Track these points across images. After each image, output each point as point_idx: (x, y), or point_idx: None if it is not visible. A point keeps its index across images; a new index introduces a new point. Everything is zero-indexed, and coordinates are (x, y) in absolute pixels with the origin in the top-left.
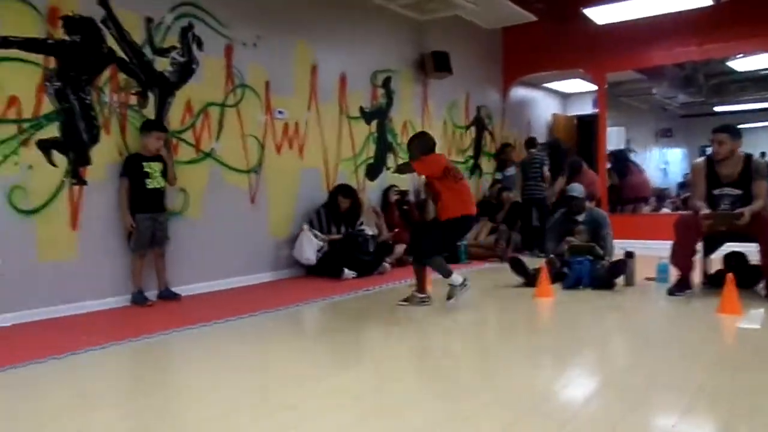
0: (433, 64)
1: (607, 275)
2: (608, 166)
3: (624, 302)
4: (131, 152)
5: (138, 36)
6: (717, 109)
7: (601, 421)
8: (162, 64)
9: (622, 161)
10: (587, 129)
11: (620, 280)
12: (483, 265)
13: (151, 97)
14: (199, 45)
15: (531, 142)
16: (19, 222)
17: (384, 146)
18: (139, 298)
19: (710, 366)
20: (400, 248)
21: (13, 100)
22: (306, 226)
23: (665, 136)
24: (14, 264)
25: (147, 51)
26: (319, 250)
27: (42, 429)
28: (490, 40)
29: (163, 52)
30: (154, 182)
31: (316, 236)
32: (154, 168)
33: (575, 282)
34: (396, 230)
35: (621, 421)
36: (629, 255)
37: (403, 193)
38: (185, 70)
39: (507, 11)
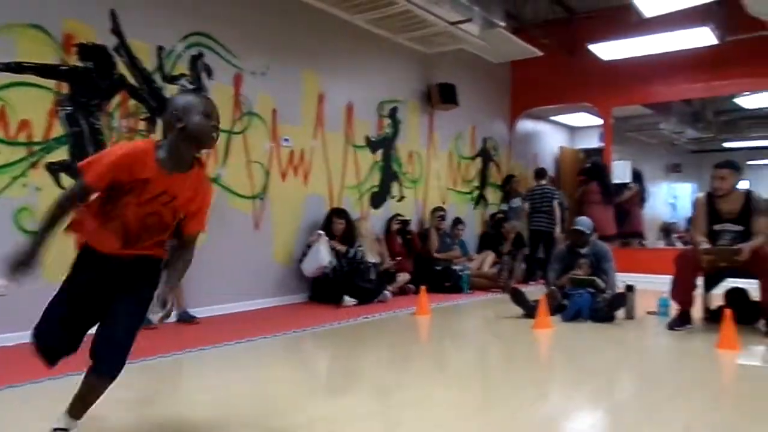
0: (440, 96)
1: (607, 308)
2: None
3: (623, 336)
4: None
5: (149, 63)
6: (726, 145)
7: None
8: (171, 91)
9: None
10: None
11: (621, 314)
12: (485, 296)
13: (159, 123)
14: (209, 73)
15: (540, 173)
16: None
17: (389, 175)
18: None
19: (705, 403)
20: (401, 277)
21: (24, 124)
22: (322, 233)
23: (675, 171)
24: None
25: (157, 78)
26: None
27: None
28: (498, 72)
29: (172, 80)
30: None
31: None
32: None
33: (575, 314)
34: (398, 259)
35: None
36: (629, 288)
37: (406, 222)
38: None
39: (513, 47)
